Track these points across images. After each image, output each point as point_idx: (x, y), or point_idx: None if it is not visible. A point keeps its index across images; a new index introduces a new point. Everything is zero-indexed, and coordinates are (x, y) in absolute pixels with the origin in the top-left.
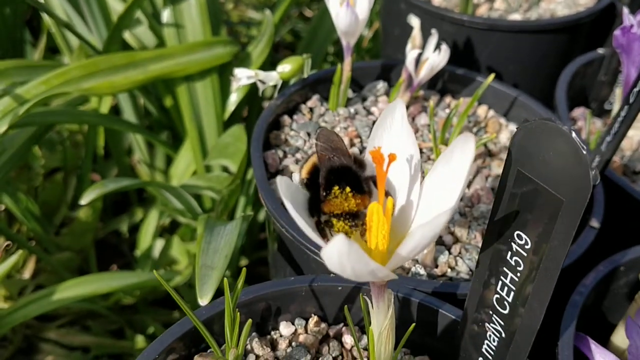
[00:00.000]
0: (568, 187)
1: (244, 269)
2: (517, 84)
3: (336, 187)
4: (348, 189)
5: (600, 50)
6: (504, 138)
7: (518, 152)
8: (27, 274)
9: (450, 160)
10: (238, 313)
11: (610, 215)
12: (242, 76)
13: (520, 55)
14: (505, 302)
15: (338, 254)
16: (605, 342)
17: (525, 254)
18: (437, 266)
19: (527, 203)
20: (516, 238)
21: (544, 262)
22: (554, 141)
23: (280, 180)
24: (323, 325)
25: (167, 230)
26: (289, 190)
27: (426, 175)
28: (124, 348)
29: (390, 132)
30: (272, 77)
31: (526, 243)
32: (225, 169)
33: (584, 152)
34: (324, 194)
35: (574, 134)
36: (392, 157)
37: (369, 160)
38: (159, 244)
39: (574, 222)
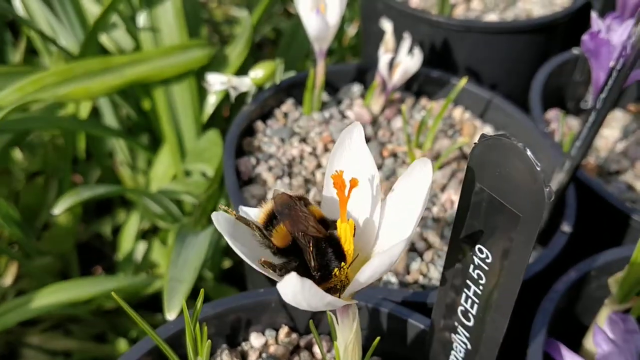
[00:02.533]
0: (524, 203)
1: (202, 290)
2: (496, 84)
3: (336, 270)
4: (344, 264)
5: (575, 51)
6: None
7: (477, 167)
8: (9, 279)
9: (408, 183)
10: (205, 328)
11: (584, 218)
12: (215, 82)
13: (497, 56)
14: (470, 315)
15: (292, 291)
16: (579, 345)
17: (487, 268)
18: (409, 273)
19: (487, 217)
20: (477, 252)
21: (504, 275)
22: (509, 157)
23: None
24: (294, 335)
25: (151, 231)
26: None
27: (387, 196)
28: (107, 352)
29: (349, 154)
30: (245, 84)
31: (487, 257)
32: (203, 174)
33: (539, 169)
34: (324, 280)
35: (528, 152)
36: (353, 183)
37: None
38: (141, 246)
39: (531, 237)
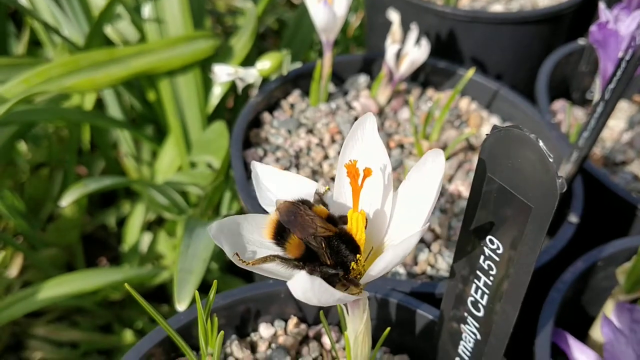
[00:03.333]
0: (536, 194)
1: (215, 282)
2: (501, 74)
3: (353, 263)
4: (359, 257)
5: (581, 41)
6: (486, 131)
7: (488, 158)
8: (14, 270)
9: (420, 174)
10: (216, 319)
11: (590, 208)
12: (222, 73)
13: (503, 46)
14: (480, 305)
15: (302, 289)
16: (586, 336)
17: (497, 259)
18: (416, 264)
19: (498, 209)
20: (488, 242)
21: (515, 266)
22: (522, 149)
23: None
24: (303, 326)
25: (157, 222)
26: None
27: (399, 187)
28: (113, 343)
29: (361, 145)
30: (252, 75)
31: (498, 248)
32: (209, 165)
33: (551, 161)
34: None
35: (541, 143)
36: (367, 172)
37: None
38: (147, 238)
39: (542, 228)
